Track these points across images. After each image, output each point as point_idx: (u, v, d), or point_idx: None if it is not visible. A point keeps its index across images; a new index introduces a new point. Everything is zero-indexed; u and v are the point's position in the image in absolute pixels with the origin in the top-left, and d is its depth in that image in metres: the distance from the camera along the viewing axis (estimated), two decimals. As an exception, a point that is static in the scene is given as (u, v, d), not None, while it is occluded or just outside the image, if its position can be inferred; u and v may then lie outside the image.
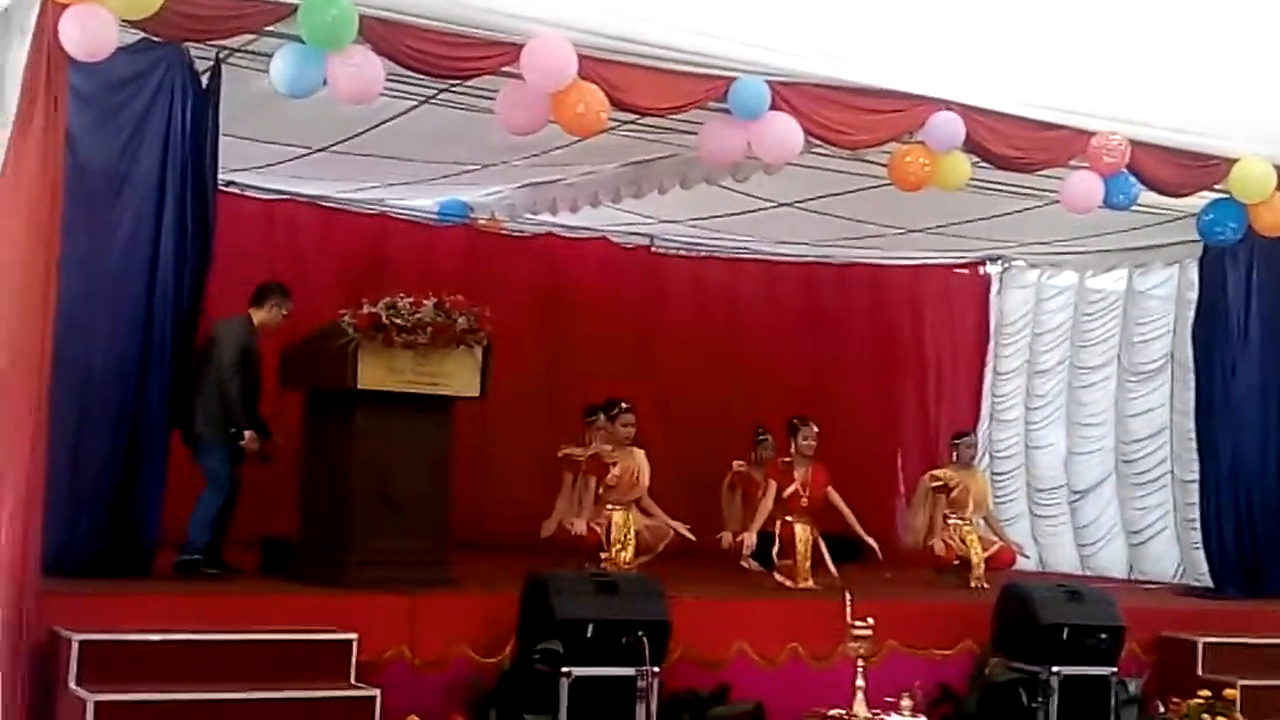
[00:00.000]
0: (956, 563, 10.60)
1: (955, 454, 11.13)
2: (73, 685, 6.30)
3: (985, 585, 10.28)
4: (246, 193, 10.98)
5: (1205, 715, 8.74)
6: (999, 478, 13.51)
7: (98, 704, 6.11)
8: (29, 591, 6.38)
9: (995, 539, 10.98)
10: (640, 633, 7.26)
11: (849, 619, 7.88)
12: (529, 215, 11.99)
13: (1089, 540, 13.18)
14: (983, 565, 10.54)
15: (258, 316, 8.70)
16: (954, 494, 10.80)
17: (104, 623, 6.61)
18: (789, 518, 9.95)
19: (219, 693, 6.43)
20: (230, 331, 8.46)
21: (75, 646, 6.36)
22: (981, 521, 11.04)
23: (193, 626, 6.80)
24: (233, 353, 8.33)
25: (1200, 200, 9.53)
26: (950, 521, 10.78)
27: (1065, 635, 8.46)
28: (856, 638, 7.87)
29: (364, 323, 7.97)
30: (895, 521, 13.02)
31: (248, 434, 8.29)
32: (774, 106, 7.88)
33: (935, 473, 11.04)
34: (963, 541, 10.65)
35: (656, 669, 7.31)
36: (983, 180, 9.13)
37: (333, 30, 6.84)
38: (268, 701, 6.51)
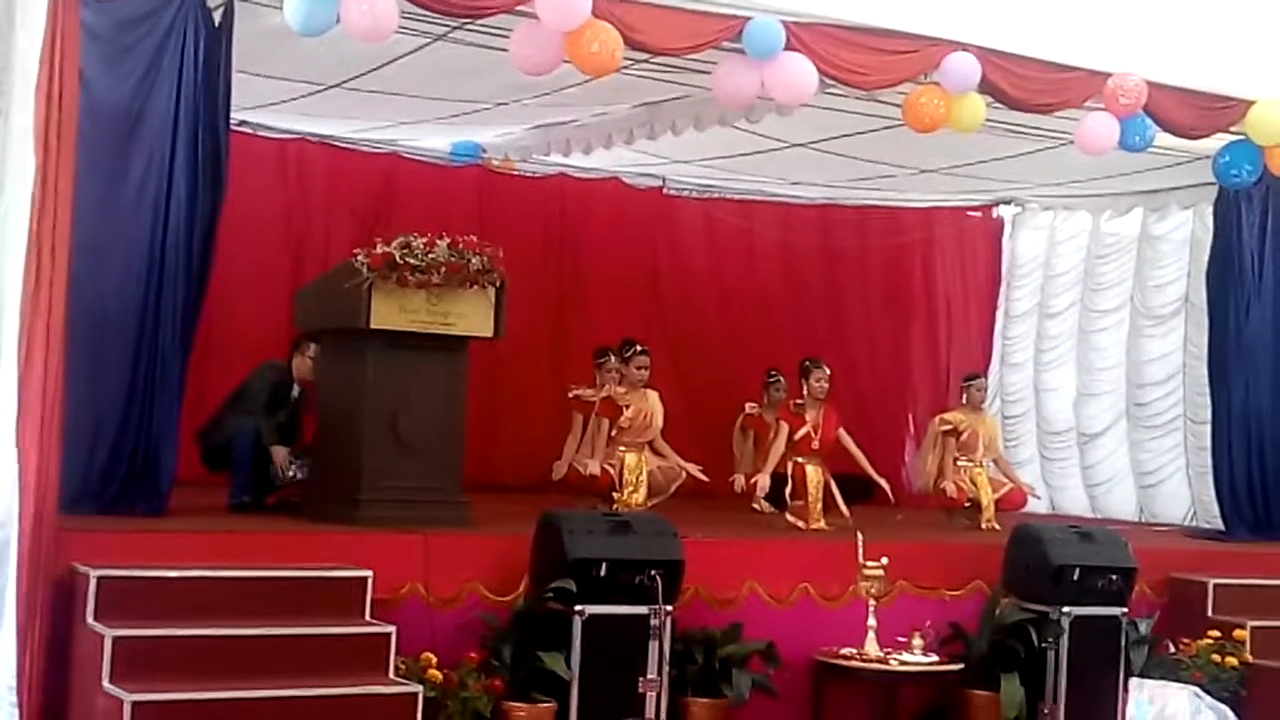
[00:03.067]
0: (968, 505, 10.64)
1: (965, 396, 11.14)
2: (90, 620, 6.34)
3: (996, 527, 10.32)
4: (259, 132, 10.95)
5: (1215, 656, 8.79)
6: (1009, 421, 13.54)
7: (115, 639, 6.16)
8: (47, 527, 6.42)
9: (1006, 481, 11.01)
10: (653, 571, 7.30)
11: (861, 559, 7.94)
12: (541, 156, 11.95)
13: (1098, 482, 13.20)
14: (993, 507, 10.57)
15: (294, 363, 8.84)
16: (963, 437, 10.82)
17: (121, 558, 6.65)
18: (800, 459, 9.97)
19: (234, 628, 6.48)
20: (266, 371, 8.79)
21: (93, 581, 6.40)
22: (991, 464, 11.06)
23: (208, 563, 6.83)
24: (263, 393, 8.66)
25: (1216, 142, 9.49)
26: (960, 464, 10.81)
27: (1076, 576, 8.48)
28: (868, 577, 7.94)
29: (377, 262, 7.97)
30: (905, 463, 13.07)
31: (277, 449, 8.51)
32: (788, 47, 7.85)
33: (945, 416, 11.06)
34: (973, 484, 10.68)
35: (669, 608, 7.36)
36: (997, 121, 9.09)
37: (347, -32, 6.81)
38: (283, 637, 6.57)
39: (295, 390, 8.85)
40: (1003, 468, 11.29)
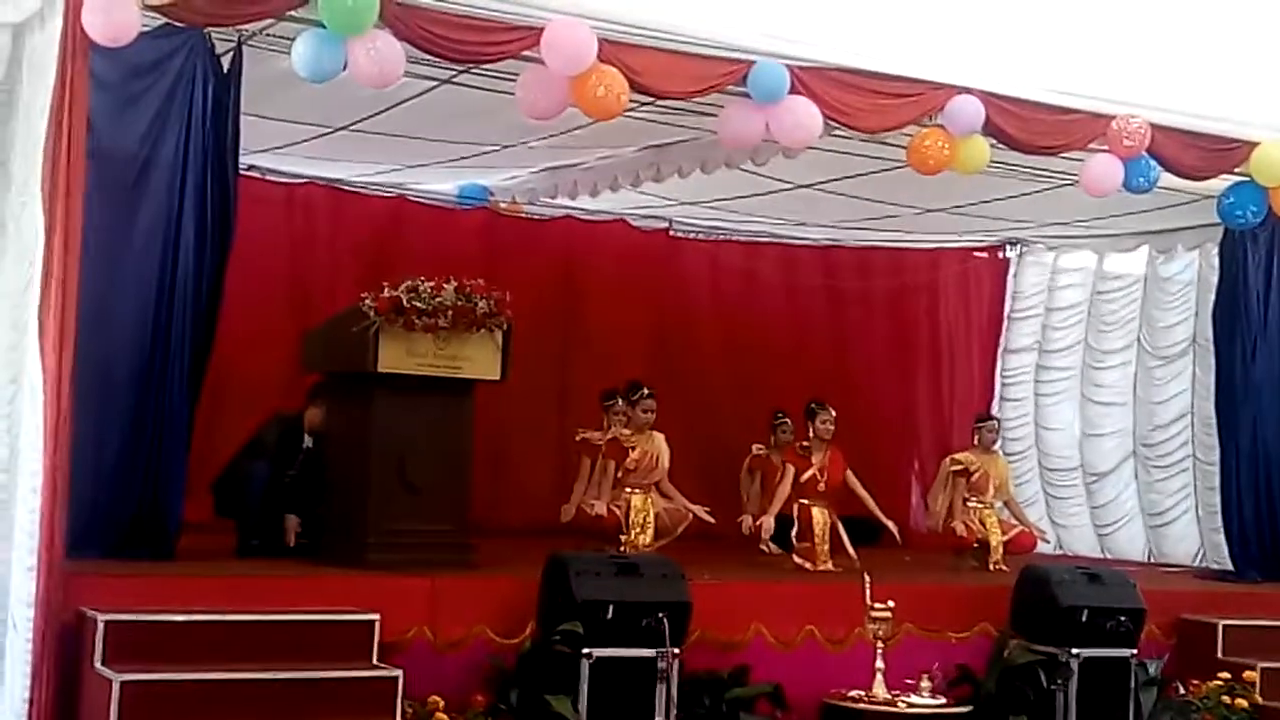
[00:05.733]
0: (976, 545, 10.61)
1: (977, 438, 11.13)
2: (98, 665, 6.36)
3: (1004, 568, 10.30)
4: (267, 177, 11.01)
5: (1225, 697, 8.76)
6: (1010, 458, 13.50)
7: (123, 683, 6.17)
8: (55, 572, 6.43)
9: (1015, 523, 10.98)
10: (661, 614, 7.29)
11: (868, 600, 7.92)
12: (548, 199, 11.99)
13: (1107, 522, 13.17)
14: (1001, 549, 10.55)
15: (308, 414, 8.87)
16: (974, 478, 10.81)
17: (129, 603, 6.66)
18: (807, 501, 9.98)
19: (242, 672, 6.49)
20: (276, 422, 8.83)
21: (101, 626, 6.42)
22: (1002, 506, 11.04)
23: (216, 607, 6.85)
24: (274, 442, 8.70)
25: (1222, 183, 9.52)
26: (970, 505, 10.79)
27: (1085, 617, 8.48)
28: (875, 619, 7.92)
29: (385, 306, 8.00)
30: (912, 504, 13.05)
31: (289, 517, 8.55)
32: (793, 90, 7.89)
33: (956, 456, 11.04)
34: (983, 525, 10.66)
35: (677, 650, 7.35)
36: (1002, 163, 9.13)
37: (353, 15, 6.86)
38: (290, 681, 6.58)
39: (308, 441, 8.85)
40: (1014, 509, 11.27)
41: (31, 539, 6.42)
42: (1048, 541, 11.71)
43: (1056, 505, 13.49)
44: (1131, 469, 13.07)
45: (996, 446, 11.31)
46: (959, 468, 10.84)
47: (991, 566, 10.42)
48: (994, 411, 13.12)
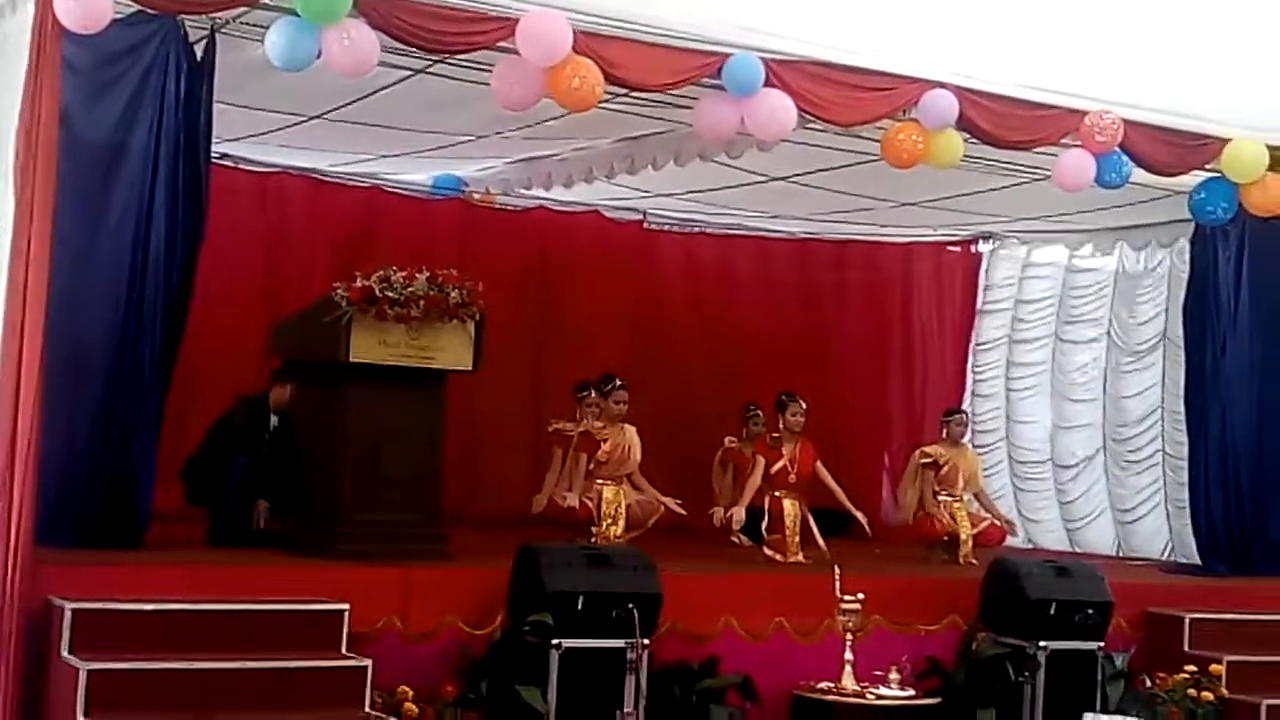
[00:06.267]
0: (946, 539, 10.65)
1: (945, 431, 11.16)
2: (65, 654, 6.34)
3: (974, 562, 10.33)
4: (239, 165, 10.96)
5: (1191, 690, 8.82)
6: (980, 449, 13.53)
7: (89, 672, 6.16)
8: (22, 560, 6.41)
9: (985, 516, 11.02)
10: (631, 605, 7.31)
11: (838, 592, 7.95)
12: (522, 190, 11.98)
13: (1076, 516, 13.22)
14: (971, 542, 10.58)
15: (273, 394, 8.88)
16: (944, 470, 10.84)
17: (97, 592, 6.64)
18: (777, 493, 10.01)
19: (210, 662, 6.48)
20: (241, 405, 8.86)
21: (68, 615, 6.40)
22: (973, 499, 11.08)
23: (185, 597, 6.82)
24: (242, 427, 8.70)
25: (1193, 179, 9.56)
26: (940, 498, 10.83)
27: (1053, 610, 8.52)
28: (845, 611, 7.95)
29: (357, 296, 8.00)
30: (882, 498, 13.09)
31: (259, 502, 8.55)
32: (768, 84, 7.90)
33: (925, 449, 11.07)
34: (952, 518, 10.69)
35: (647, 641, 7.36)
36: (976, 157, 9.15)
37: (327, 4, 6.85)
38: (259, 671, 6.56)
39: (274, 421, 8.84)
40: (984, 502, 11.30)
41: (-1, 528, 6.39)
42: (1015, 535, 11.76)
43: (1026, 499, 13.52)
44: (1102, 464, 13.12)
45: (966, 440, 11.34)
46: (928, 460, 10.88)
47: (961, 560, 10.46)
48: (965, 405, 13.18)
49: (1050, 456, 13.51)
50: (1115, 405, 12.98)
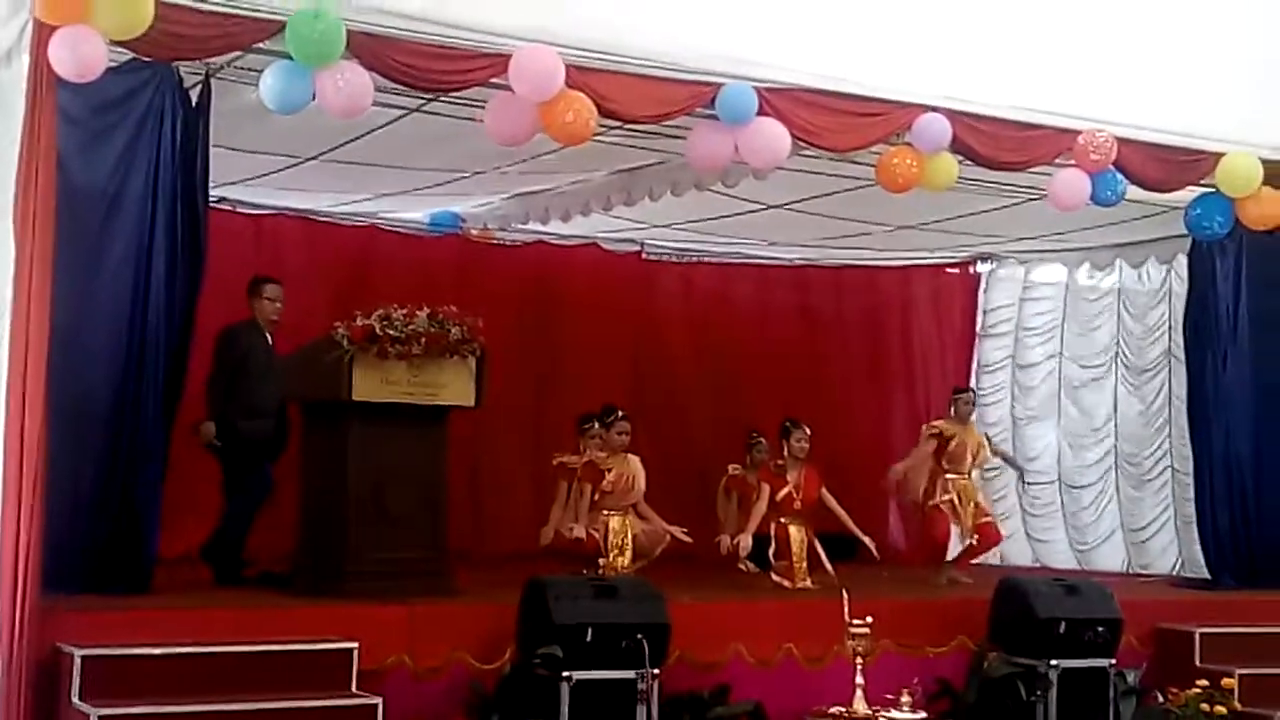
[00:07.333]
0: (950, 560, 10.68)
1: (953, 409, 11.21)
2: (75, 700, 6.34)
3: (974, 541, 10.33)
4: (237, 209, 11.00)
5: (1204, 705, 8.78)
6: (988, 472, 13.52)
7: (101, 718, 6.15)
8: (30, 607, 6.41)
9: (987, 513, 11.06)
10: (640, 635, 7.30)
11: (847, 617, 7.93)
12: (520, 225, 12.01)
13: (1085, 535, 13.21)
14: (974, 533, 10.63)
15: (255, 308, 9.07)
16: (952, 445, 10.88)
17: (106, 638, 6.65)
18: (783, 519, 10.01)
19: (221, 704, 6.48)
20: (220, 348, 8.93)
21: (78, 662, 6.40)
22: (978, 475, 11.11)
23: (194, 640, 6.83)
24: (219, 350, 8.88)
25: (1189, 195, 9.59)
26: (947, 476, 10.85)
27: (1063, 628, 8.52)
28: (854, 635, 7.92)
29: (358, 334, 8.01)
30: (889, 520, 13.07)
31: (203, 426, 8.63)
32: (761, 112, 7.95)
33: (933, 423, 11.11)
34: (959, 495, 10.71)
35: (656, 671, 7.35)
36: (971, 179, 9.18)
37: (320, 46, 6.89)
38: (271, 712, 6.56)
39: (269, 339, 9.07)
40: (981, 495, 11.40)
41: (6, 575, 6.39)
42: (1004, 536, 11.78)
43: (1034, 521, 13.51)
44: (1111, 482, 13.12)
45: (973, 419, 11.36)
46: (935, 432, 10.90)
47: (965, 540, 10.49)
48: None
49: (1058, 477, 13.49)
50: (1123, 421, 12.98)
